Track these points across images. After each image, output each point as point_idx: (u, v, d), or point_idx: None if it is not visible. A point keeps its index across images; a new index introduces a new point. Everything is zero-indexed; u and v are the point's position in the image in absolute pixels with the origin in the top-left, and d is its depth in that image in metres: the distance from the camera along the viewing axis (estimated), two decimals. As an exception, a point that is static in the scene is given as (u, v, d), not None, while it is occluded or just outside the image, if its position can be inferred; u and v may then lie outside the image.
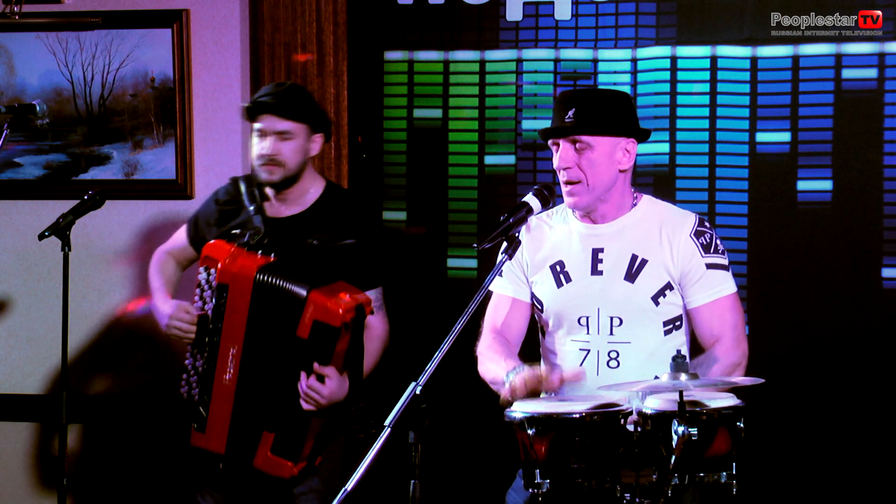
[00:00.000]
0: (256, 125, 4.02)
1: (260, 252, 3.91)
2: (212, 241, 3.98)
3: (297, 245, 3.96)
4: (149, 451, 4.94)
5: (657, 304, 3.52)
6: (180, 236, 4.27)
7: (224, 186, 4.24)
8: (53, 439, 4.94)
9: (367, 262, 4.03)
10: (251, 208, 4.05)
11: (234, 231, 3.99)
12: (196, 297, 3.99)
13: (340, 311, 3.75)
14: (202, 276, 3.96)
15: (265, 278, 3.84)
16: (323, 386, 3.79)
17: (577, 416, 3.12)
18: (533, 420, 3.12)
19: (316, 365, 3.78)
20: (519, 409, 3.18)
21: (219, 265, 3.88)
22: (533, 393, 3.36)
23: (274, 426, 3.85)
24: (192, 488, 4.15)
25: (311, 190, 4.09)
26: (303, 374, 3.80)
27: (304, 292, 3.78)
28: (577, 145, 3.49)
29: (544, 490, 3.11)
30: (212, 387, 3.90)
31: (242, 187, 4.12)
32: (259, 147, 4.00)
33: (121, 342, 4.98)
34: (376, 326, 4.05)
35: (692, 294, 3.53)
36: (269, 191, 4.07)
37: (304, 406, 3.81)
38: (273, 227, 4.02)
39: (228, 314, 3.87)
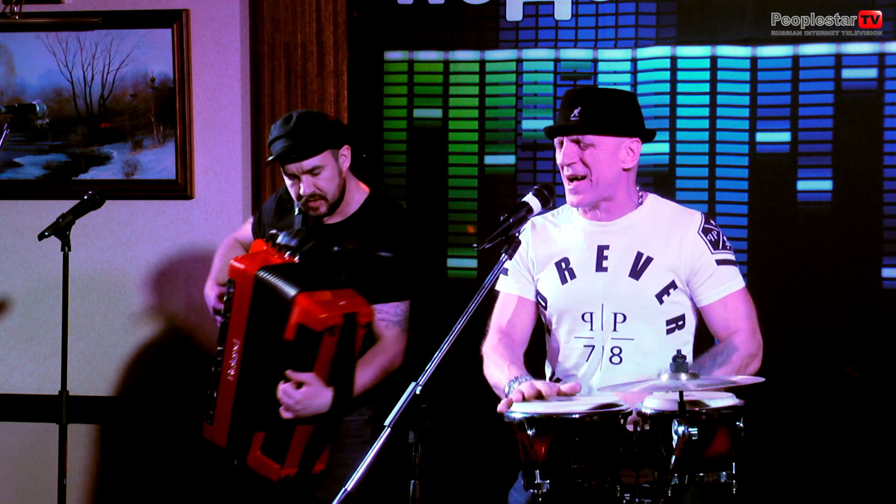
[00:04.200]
0: (286, 169, 4.00)
1: (288, 254, 3.92)
2: (255, 240, 4.06)
3: (322, 251, 3.96)
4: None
5: (661, 301, 3.53)
6: (248, 226, 4.34)
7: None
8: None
9: (393, 276, 3.99)
10: (296, 210, 4.08)
11: (272, 231, 4.01)
12: None
13: (322, 315, 3.72)
14: None
15: (264, 276, 3.83)
16: (296, 392, 3.78)
17: (577, 416, 3.12)
18: (533, 420, 3.12)
19: (289, 371, 3.78)
20: (519, 410, 3.18)
21: (231, 261, 3.91)
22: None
23: (263, 426, 3.85)
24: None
25: (355, 198, 4.09)
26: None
27: (292, 293, 3.75)
28: (581, 144, 3.50)
29: (544, 490, 3.11)
30: (219, 380, 3.93)
31: (292, 190, 4.11)
32: (295, 189, 4.00)
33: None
34: (388, 340, 3.98)
35: (704, 291, 3.54)
36: None
37: (283, 412, 3.80)
38: (318, 231, 4.03)
39: (234, 309, 3.89)
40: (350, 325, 3.79)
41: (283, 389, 3.79)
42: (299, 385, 3.78)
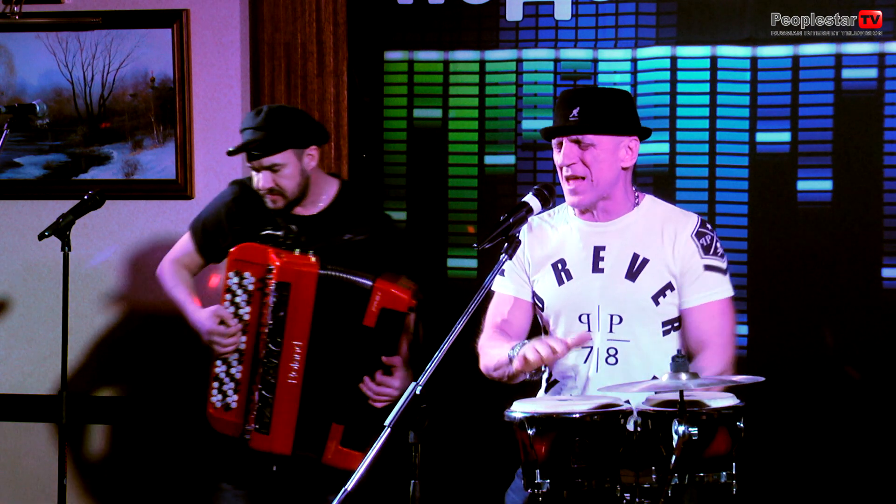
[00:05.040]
0: (249, 161, 4.05)
1: (298, 250, 3.96)
2: (241, 245, 3.98)
3: (333, 241, 4.00)
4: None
5: (657, 303, 3.52)
6: (185, 244, 4.25)
7: (227, 190, 4.25)
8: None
9: (396, 256, 4.09)
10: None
11: (264, 233, 4.00)
12: (227, 303, 3.98)
13: (405, 296, 3.87)
14: (233, 280, 3.96)
15: (331, 273, 3.90)
16: (393, 378, 3.90)
17: (577, 416, 3.12)
18: (533, 420, 3.12)
19: (384, 358, 3.89)
20: (519, 409, 3.18)
21: (277, 264, 3.90)
22: (543, 362, 3.34)
23: (343, 418, 3.90)
24: (215, 480, 4.18)
25: (326, 190, 4.13)
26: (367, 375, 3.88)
27: (369, 282, 3.87)
28: (582, 144, 3.50)
29: (544, 490, 3.10)
30: (275, 388, 3.93)
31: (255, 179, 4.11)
32: (256, 179, 4.05)
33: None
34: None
35: (687, 294, 3.53)
36: None
37: (377, 405, 3.88)
38: (302, 225, 4.06)
39: (292, 312, 3.90)
40: (419, 302, 3.95)
41: (380, 379, 3.89)
42: (388, 372, 3.89)
